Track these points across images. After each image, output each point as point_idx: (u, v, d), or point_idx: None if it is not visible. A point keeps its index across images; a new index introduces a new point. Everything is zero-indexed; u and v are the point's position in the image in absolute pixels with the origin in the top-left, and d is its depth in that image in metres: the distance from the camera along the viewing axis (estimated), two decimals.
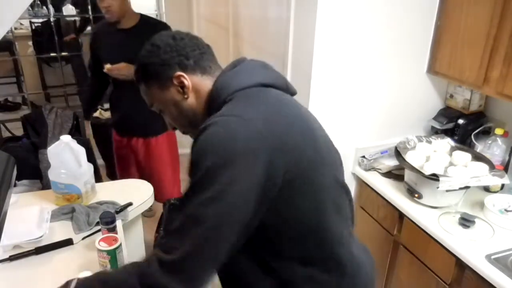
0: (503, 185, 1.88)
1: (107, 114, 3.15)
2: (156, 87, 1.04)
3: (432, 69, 2.08)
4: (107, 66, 2.28)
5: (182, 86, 1.02)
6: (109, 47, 2.37)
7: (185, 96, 1.03)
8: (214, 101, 1.00)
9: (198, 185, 0.87)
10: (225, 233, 0.87)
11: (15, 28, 4.83)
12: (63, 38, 4.91)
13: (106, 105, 3.28)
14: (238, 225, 0.87)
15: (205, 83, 1.03)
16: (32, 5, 4.81)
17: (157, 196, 2.69)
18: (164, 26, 2.35)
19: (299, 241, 0.98)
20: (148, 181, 2.65)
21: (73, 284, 0.99)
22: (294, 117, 1.00)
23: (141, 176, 2.62)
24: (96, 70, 2.42)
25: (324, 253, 1.01)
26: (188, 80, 1.02)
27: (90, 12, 4.56)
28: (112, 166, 2.86)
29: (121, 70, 2.26)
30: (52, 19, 4.78)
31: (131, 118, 2.47)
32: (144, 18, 2.37)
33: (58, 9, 4.95)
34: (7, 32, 3.90)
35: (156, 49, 1.01)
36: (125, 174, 2.68)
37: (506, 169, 1.87)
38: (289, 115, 0.99)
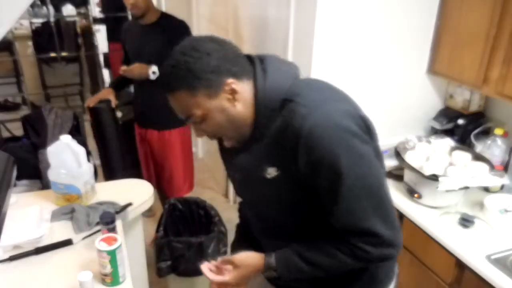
0: (503, 185, 1.88)
1: None
2: (204, 94, 0.98)
3: (432, 69, 2.08)
4: (123, 68, 2.48)
5: (232, 93, 1.00)
6: (131, 41, 2.56)
7: (235, 103, 1.01)
8: (264, 109, 1.02)
9: (347, 169, 0.99)
10: (384, 185, 1.06)
11: (15, 28, 4.84)
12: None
13: None
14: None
15: (249, 87, 1.02)
16: (32, 5, 4.81)
17: (168, 191, 2.76)
18: (182, 25, 2.42)
19: None
20: (161, 175, 2.75)
21: None
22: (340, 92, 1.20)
23: (156, 170, 2.78)
24: (126, 61, 2.60)
25: None
26: (238, 86, 1.00)
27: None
28: (110, 166, 2.87)
29: (133, 71, 2.44)
30: (52, 19, 4.78)
31: (147, 111, 2.62)
32: (164, 15, 2.47)
33: (58, 9, 4.95)
34: (7, 32, 3.90)
35: (205, 56, 0.96)
36: (144, 167, 2.81)
37: (505, 169, 1.87)
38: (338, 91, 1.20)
